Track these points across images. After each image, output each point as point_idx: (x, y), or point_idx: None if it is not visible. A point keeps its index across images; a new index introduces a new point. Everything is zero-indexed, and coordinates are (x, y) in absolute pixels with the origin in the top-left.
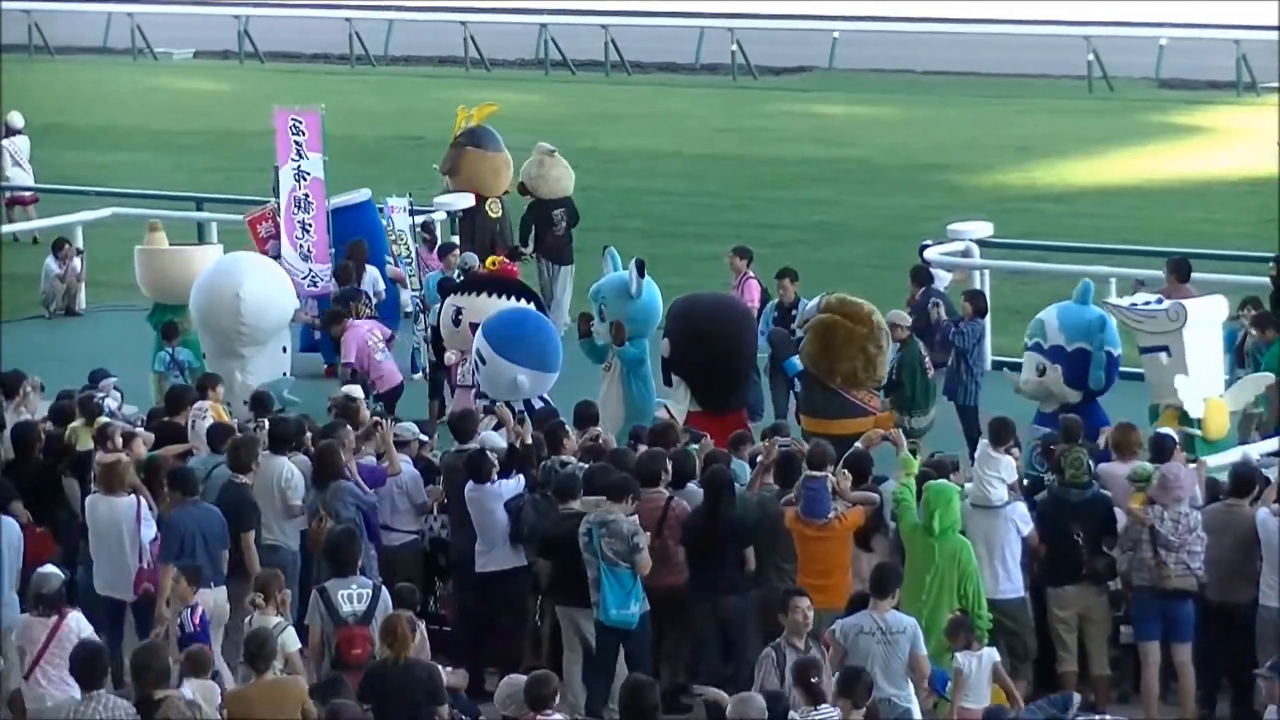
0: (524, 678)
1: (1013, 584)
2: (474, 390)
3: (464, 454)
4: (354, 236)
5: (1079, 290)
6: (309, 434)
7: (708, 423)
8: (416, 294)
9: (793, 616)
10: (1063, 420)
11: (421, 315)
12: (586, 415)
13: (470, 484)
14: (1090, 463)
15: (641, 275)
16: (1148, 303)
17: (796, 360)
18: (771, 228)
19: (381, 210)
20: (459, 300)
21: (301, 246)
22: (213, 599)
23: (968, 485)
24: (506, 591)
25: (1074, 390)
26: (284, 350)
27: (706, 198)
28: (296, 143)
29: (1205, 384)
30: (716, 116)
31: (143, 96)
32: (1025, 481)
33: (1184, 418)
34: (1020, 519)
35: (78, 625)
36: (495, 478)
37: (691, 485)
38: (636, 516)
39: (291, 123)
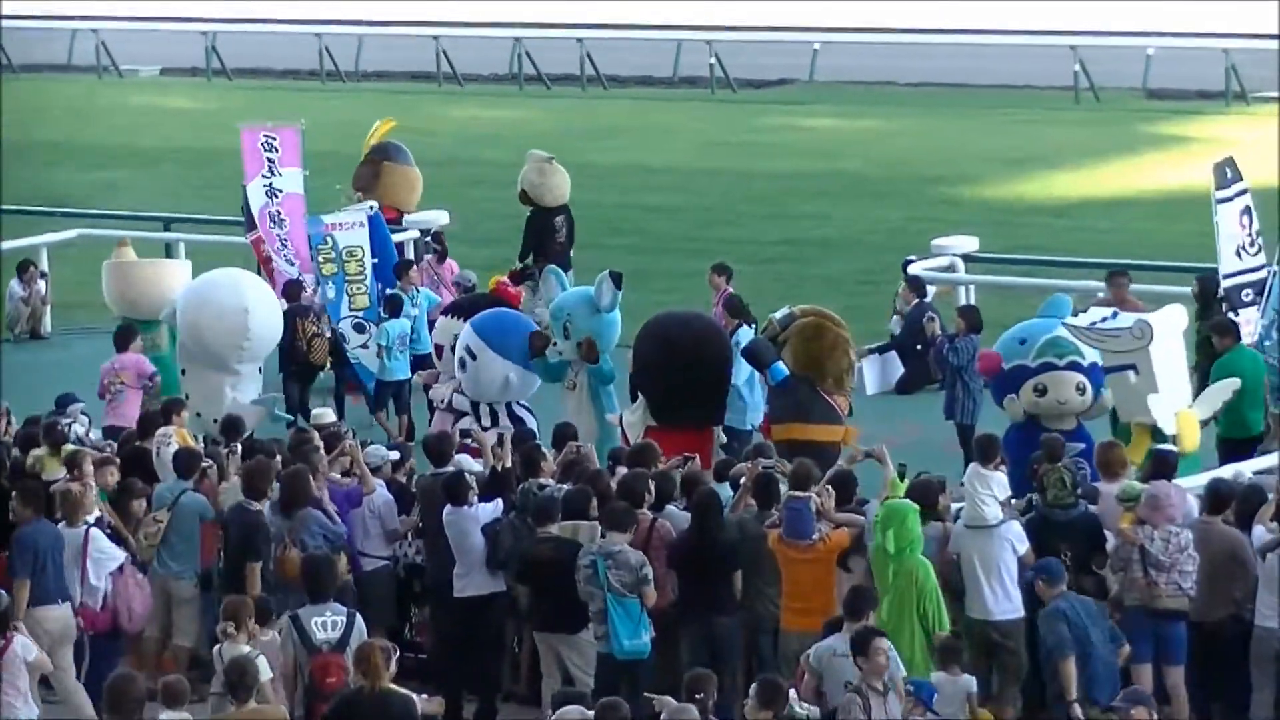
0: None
1: (1011, 603)
2: (453, 416)
3: (440, 477)
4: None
5: (1047, 303)
6: (278, 458)
7: (663, 438)
8: (359, 312)
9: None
10: (1044, 440)
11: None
12: (565, 436)
13: (448, 507)
14: (1074, 480)
15: (618, 287)
16: (1105, 319)
17: (782, 365)
18: (767, 244)
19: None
20: (454, 324)
21: (284, 260)
22: (60, 616)
23: (955, 505)
24: (485, 617)
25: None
26: (259, 372)
27: (696, 213)
28: (269, 159)
29: (1174, 397)
30: (703, 130)
31: (109, 114)
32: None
33: (1156, 435)
34: (1015, 537)
35: (23, 649)
36: (473, 501)
37: (671, 506)
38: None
39: (264, 139)
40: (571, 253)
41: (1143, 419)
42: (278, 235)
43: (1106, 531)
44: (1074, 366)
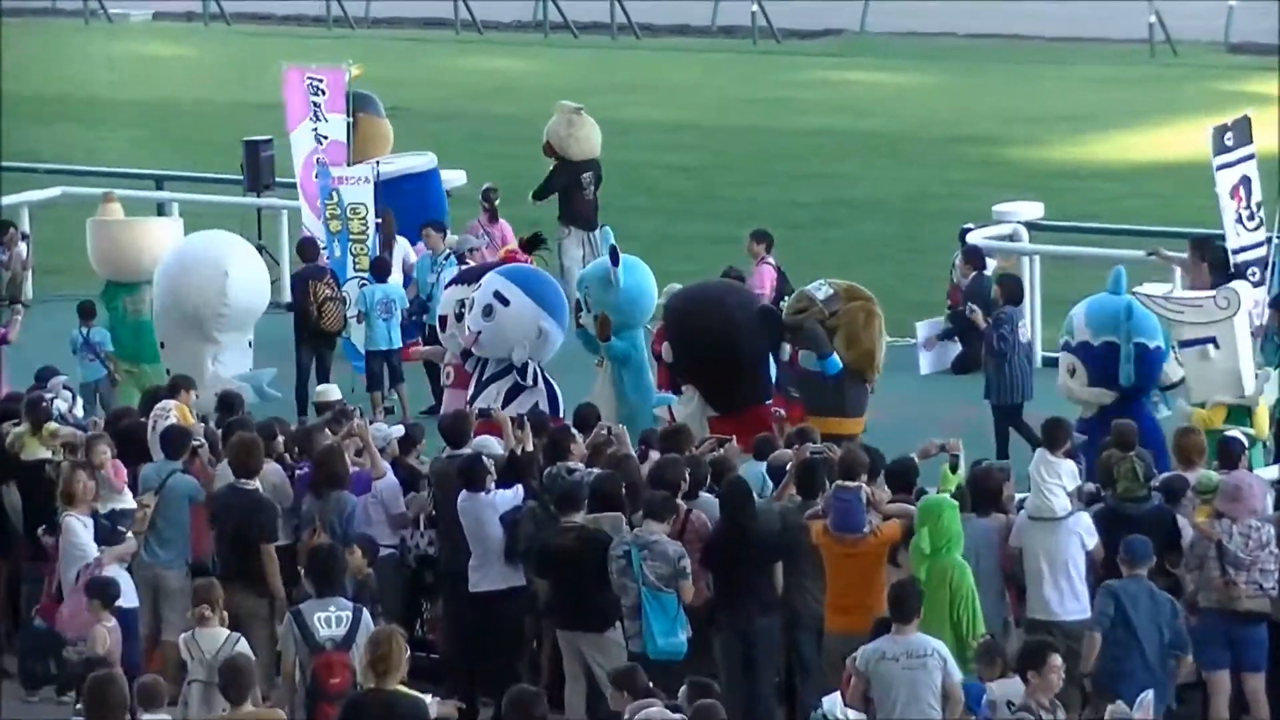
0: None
1: (1079, 603)
2: (468, 393)
3: (456, 460)
4: (413, 208)
5: (1111, 277)
6: (281, 438)
7: (729, 426)
8: (361, 274)
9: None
10: (1115, 426)
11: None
12: (589, 418)
13: (463, 493)
14: (1147, 471)
15: (616, 264)
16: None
17: (838, 358)
18: (793, 205)
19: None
20: (465, 291)
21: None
22: None
23: (1019, 496)
24: (503, 613)
25: (1105, 390)
26: (249, 345)
27: (723, 173)
28: (315, 103)
29: (1249, 377)
30: (735, 85)
31: (96, 63)
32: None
33: (1233, 417)
34: (1085, 531)
35: None
36: (491, 486)
37: (704, 494)
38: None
39: (309, 82)
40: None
41: (1221, 398)
42: (321, 185)
43: (1182, 523)
44: (1065, 346)
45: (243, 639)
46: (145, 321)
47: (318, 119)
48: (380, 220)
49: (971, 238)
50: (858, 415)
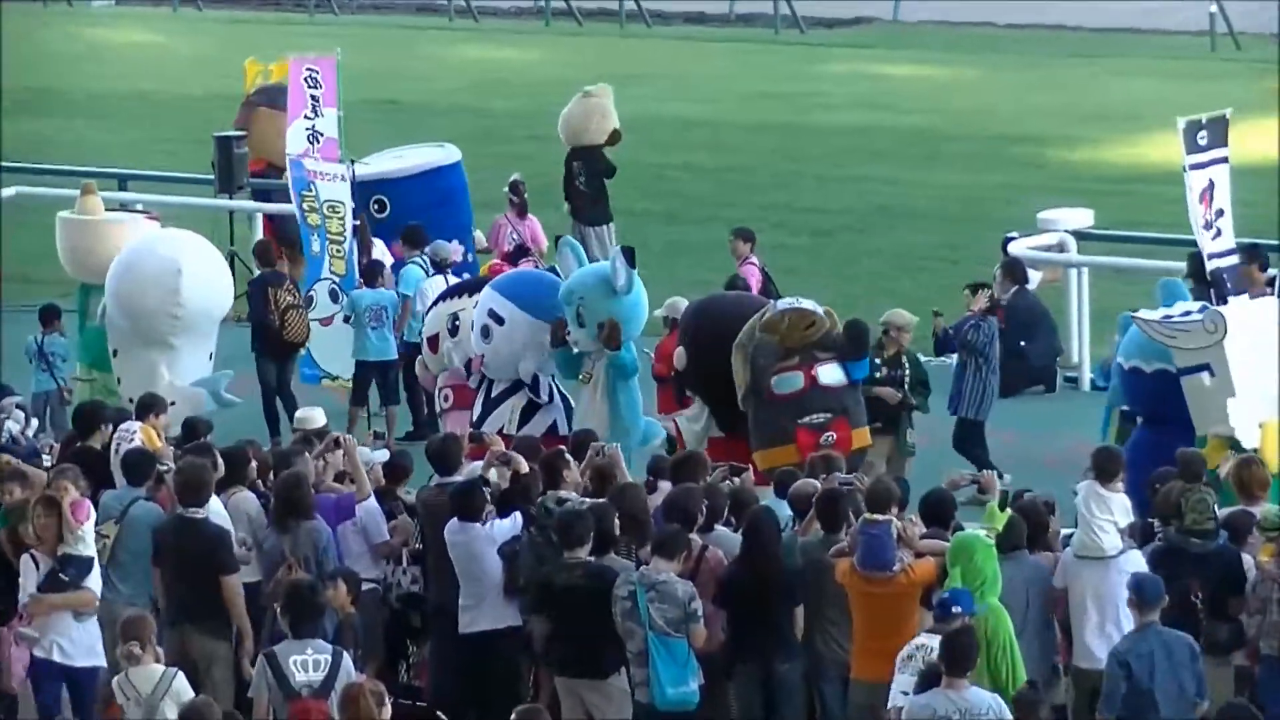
0: None
1: None
2: (473, 413)
3: (446, 489)
4: (437, 205)
5: (1162, 292)
6: (255, 463)
7: (729, 450)
8: (336, 277)
9: None
10: (1181, 455)
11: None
12: (586, 443)
13: (455, 523)
14: (1215, 505)
15: (632, 266)
16: (1187, 314)
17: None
18: (820, 212)
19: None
20: (457, 304)
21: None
22: None
23: (1065, 532)
24: (498, 656)
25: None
26: (209, 358)
27: (742, 175)
28: (313, 97)
29: (1259, 403)
30: (756, 78)
31: (57, 51)
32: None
33: (1237, 448)
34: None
35: None
36: (489, 516)
37: (721, 527)
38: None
39: (306, 74)
40: (608, 201)
41: (1220, 429)
42: (296, 177)
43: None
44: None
45: (180, 675)
46: (95, 327)
47: (315, 114)
48: (357, 223)
49: (1014, 248)
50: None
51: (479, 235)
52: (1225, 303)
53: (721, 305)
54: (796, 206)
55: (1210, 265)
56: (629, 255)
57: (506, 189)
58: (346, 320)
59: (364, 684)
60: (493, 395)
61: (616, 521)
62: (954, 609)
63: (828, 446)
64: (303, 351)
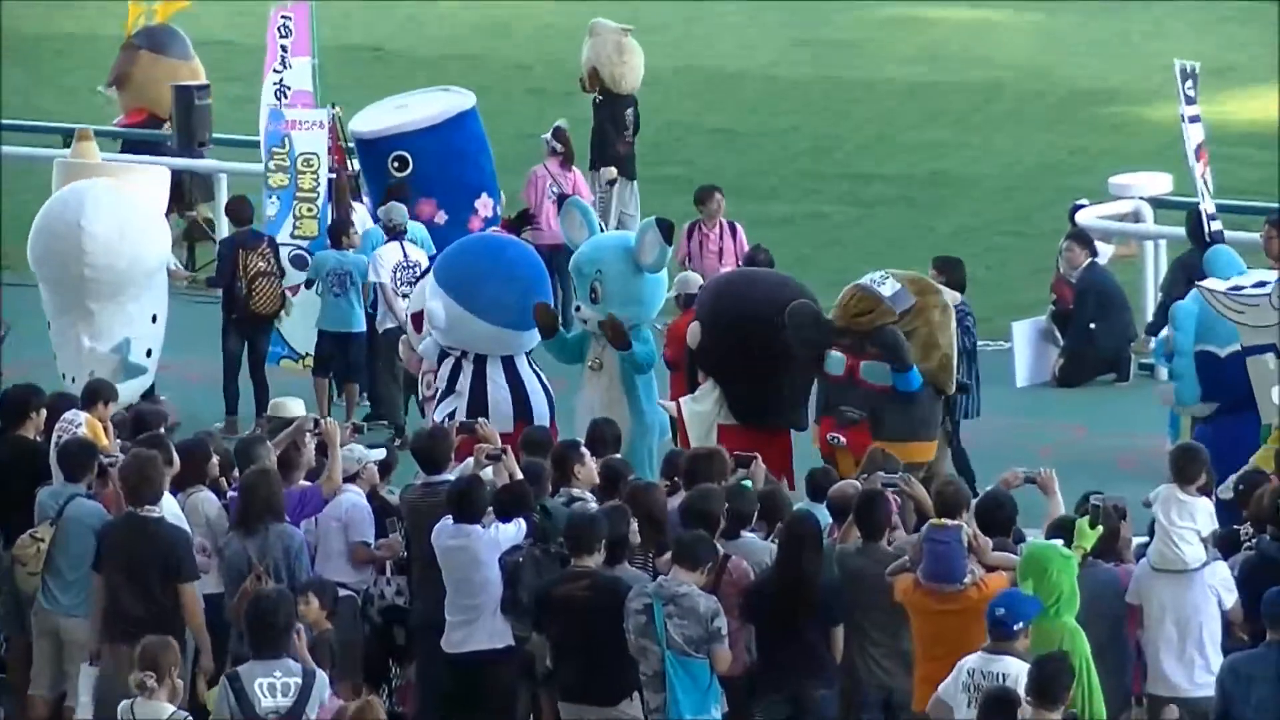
0: None
1: (1212, 675)
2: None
3: (435, 488)
4: (460, 156)
5: (1213, 259)
6: (215, 459)
7: (742, 441)
8: (303, 241)
9: None
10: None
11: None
12: (605, 438)
13: (449, 526)
14: None
15: (668, 241)
16: (1262, 284)
17: (919, 371)
18: (867, 180)
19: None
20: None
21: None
22: None
23: (1138, 541)
24: (493, 680)
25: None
26: (153, 320)
27: (775, 139)
28: (282, 47)
29: None
30: (790, 25)
31: None
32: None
33: None
34: (1222, 585)
35: None
36: (489, 520)
37: (748, 534)
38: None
39: (280, 23)
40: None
41: None
42: (271, 131)
43: None
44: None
45: (189, 718)
46: None
47: (284, 65)
48: (335, 175)
49: (1083, 217)
50: (931, 438)
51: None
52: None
53: (746, 282)
54: (837, 174)
55: (1212, 227)
56: (665, 230)
57: (549, 136)
58: (310, 286)
59: (372, 702)
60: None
61: (634, 527)
62: (1015, 625)
63: (834, 446)
64: (279, 321)
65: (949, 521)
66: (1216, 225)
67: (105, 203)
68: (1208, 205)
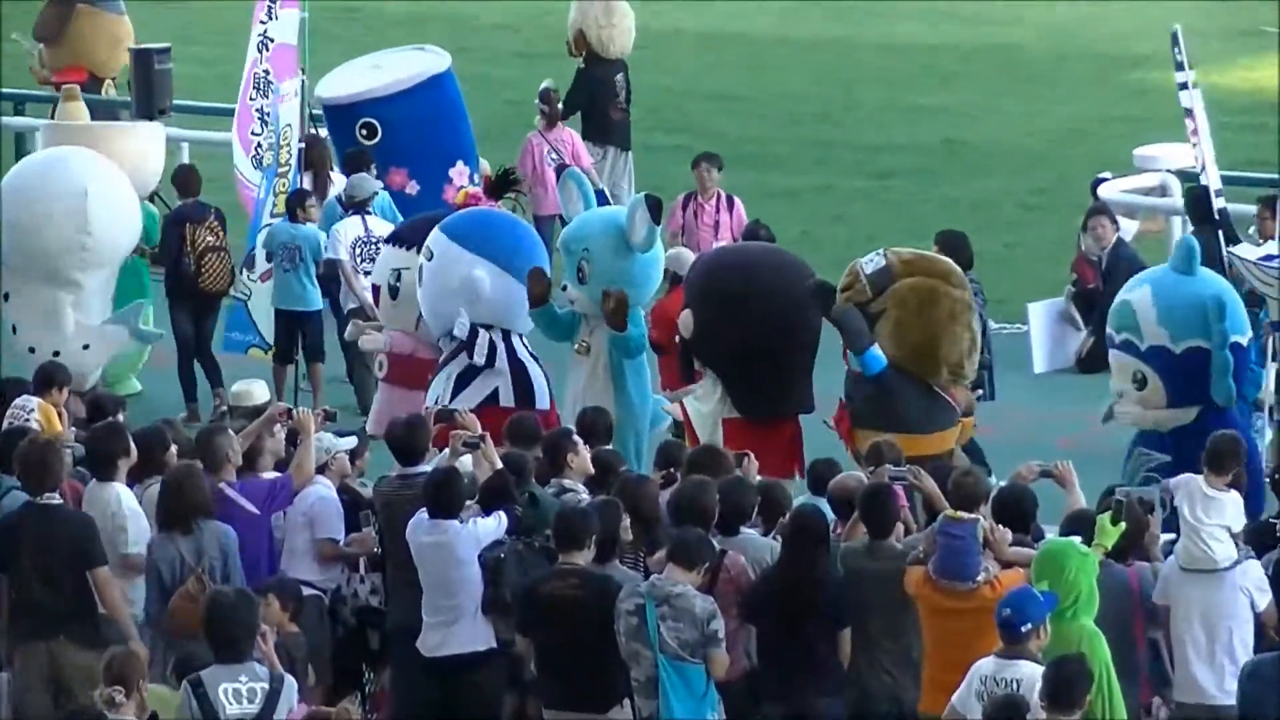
0: None
1: None
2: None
3: (411, 480)
4: (435, 122)
5: (1178, 250)
6: (174, 447)
7: (749, 436)
8: (280, 219)
9: None
10: None
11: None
12: (596, 426)
13: (424, 520)
14: None
15: (656, 221)
16: None
17: (878, 351)
18: (881, 150)
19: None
20: (398, 256)
21: (258, 148)
22: None
23: (1165, 537)
24: (473, 686)
25: (1184, 409)
26: (110, 299)
27: (782, 104)
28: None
29: None
30: None
31: None
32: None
33: None
34: (1255, 586)
35: None
36: (469, 514)
37: (748, 530)
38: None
39: None
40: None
41: None
42: (256, 110)
43: None
44: (1125, 346)
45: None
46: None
47: (269, 17)
48: (306, 145)
49: (1106, 191)
50: (927, 430)
51: (484, 164)
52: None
53: (738, 259)
54: (848, 142)
55: (1218, 203)
56: (654, 207)
57: (537, 98)
58: (269, 260)
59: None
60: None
61: (626, 523)
62: (1023, 627)
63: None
64: (228, 302)
65: (965, 514)
66: (1221, 203)
67: (103, 169)
68: (1212, 180)
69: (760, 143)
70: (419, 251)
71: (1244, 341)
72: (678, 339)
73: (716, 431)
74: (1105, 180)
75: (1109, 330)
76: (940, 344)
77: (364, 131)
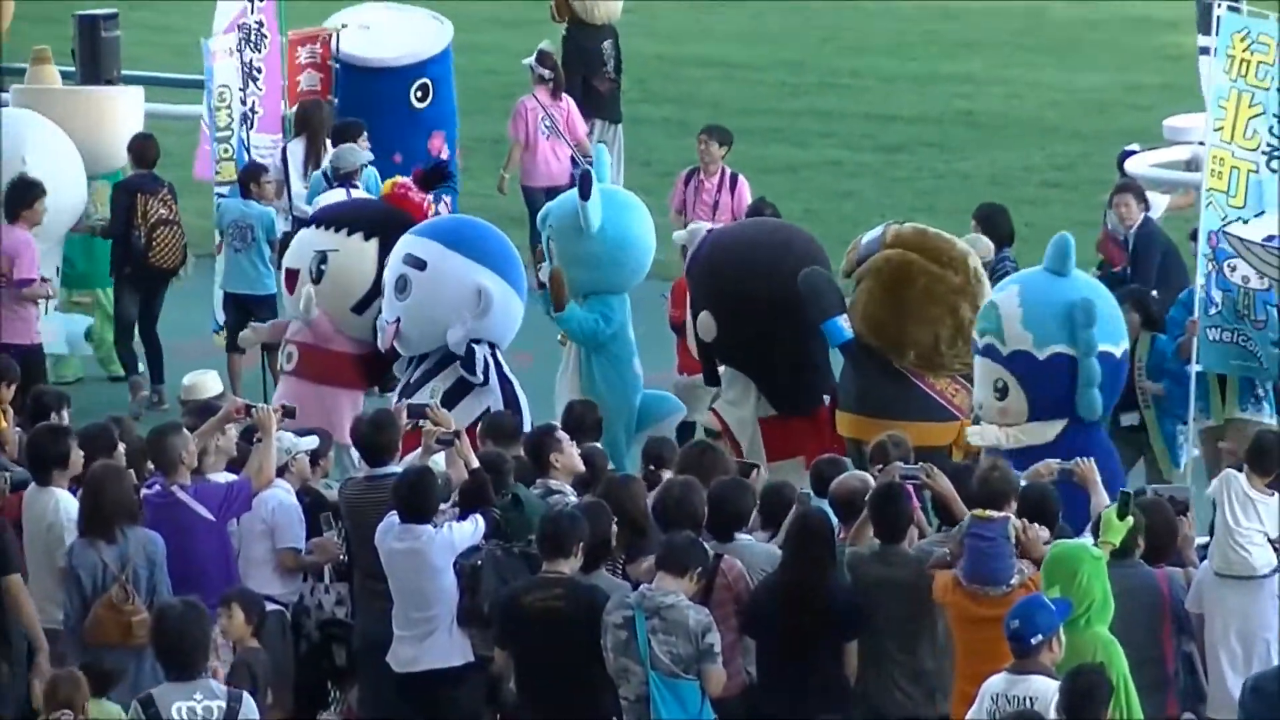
0: None
1: None
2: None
3: (379, 482)
4: (450, 89)
5: (1052, 248)
6: (121, 446)
7: (789, 435)
8: (223, 186)
9: None
10: None
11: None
12: (584, 420)
13: (394, 525)
14: None
15: (585, 197)
16: None
17: (843, 323)
18: (889, 121)
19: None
20: (324, 238)
21: (245, 105)
22: None
23: (1200, 540)
24: (449, 704)
25: (1050, 422)
26: (56, 272)
27: (781, 72)
28: None
29: None
30: None
31: None
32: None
33: None
34: None
35: None
36: (444, 519)
37: (744, 535)
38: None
39: None
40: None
41: None
42: (245, 64)
43: None
44: (988, 352)
45: None
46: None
47: None
48: (304, 109)
49: (1133, 165)
50: (900, 416)
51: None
52: None
53: (735, 245)
54: (856, 113)
55: None
56: (582, 184)
57: (533, 62)
58: (222, 235)
59: None
60: (413, 380)
61: (614, 527)
62: (1034, 638)
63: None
64: (177, 280)
65: (994, 513)
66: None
67: (44, 135)
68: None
69: (759, 114)
70: (349, 234)
71: (1116, 352)
72: (695, 340)
73: (756, 434)
74: (1133, 153)
75: (973, 335)
76: (907, 323)
77: (419, 94)
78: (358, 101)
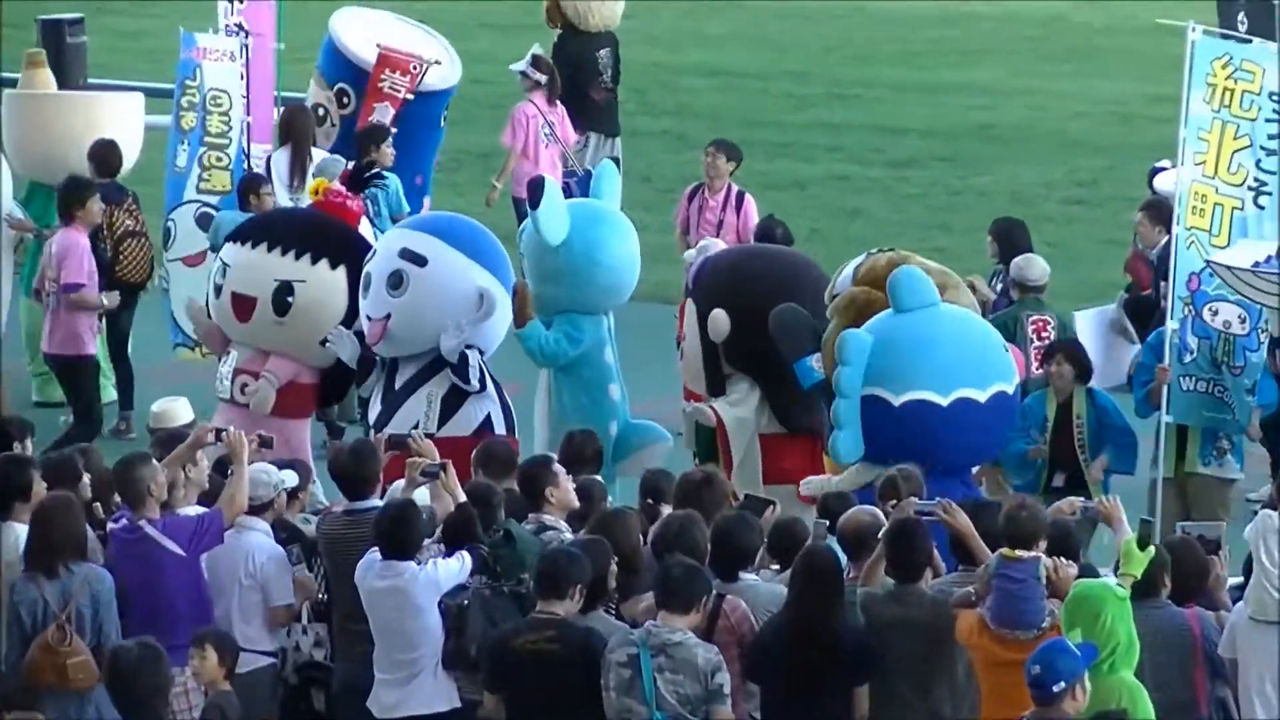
0: None
1: None
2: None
3: (359, 517)
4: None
5: (893, 283)
6: (86, 477)
7: (792, 452)
8: (213, 196)
9: None
10: None
11: None
12: (583, 450)
13: (376, 563)
14: None
15: (535, 206)
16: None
17: (814, 363)
18: (898, 134)
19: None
20: (284, 266)
21: (248, 115)
22: None
23: (1233, 580)
24: None
25: (869, 466)
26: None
27: (784, 82)
28: None
29: None
30: None
31: None
32: None
33: None
34: None
35: None
36: (428, 556)
37: (749, 575)
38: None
39: None
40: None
41: None
42: (183, 61)
43: None
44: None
45: None
46: None
47: None
48: (287, 116)
49: (1163, 182)
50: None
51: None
52: None
53: (780, 256)
54: (864, 126)
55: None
56: (531, 191)
57: (526, 68)
58: (216, 251)
59: None
60: (397, 386)
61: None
62: (1056, 685)
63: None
64: (146, 294)
65: (1024, 553)
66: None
67: None
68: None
69: (763, 127)
70: (313, 261)
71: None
72: (699, 346)
73: (754, 443)
74: (1163, 170)
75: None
76: None
77: (445, 119)
78: (413, 126)
